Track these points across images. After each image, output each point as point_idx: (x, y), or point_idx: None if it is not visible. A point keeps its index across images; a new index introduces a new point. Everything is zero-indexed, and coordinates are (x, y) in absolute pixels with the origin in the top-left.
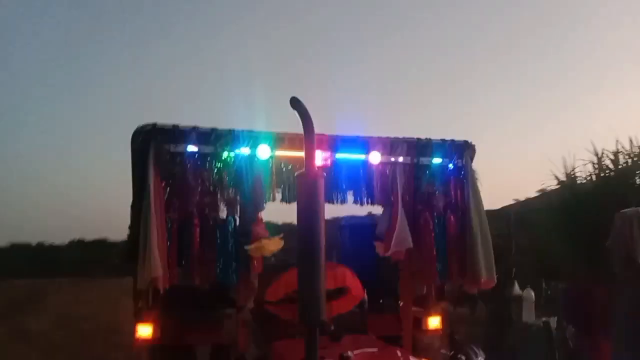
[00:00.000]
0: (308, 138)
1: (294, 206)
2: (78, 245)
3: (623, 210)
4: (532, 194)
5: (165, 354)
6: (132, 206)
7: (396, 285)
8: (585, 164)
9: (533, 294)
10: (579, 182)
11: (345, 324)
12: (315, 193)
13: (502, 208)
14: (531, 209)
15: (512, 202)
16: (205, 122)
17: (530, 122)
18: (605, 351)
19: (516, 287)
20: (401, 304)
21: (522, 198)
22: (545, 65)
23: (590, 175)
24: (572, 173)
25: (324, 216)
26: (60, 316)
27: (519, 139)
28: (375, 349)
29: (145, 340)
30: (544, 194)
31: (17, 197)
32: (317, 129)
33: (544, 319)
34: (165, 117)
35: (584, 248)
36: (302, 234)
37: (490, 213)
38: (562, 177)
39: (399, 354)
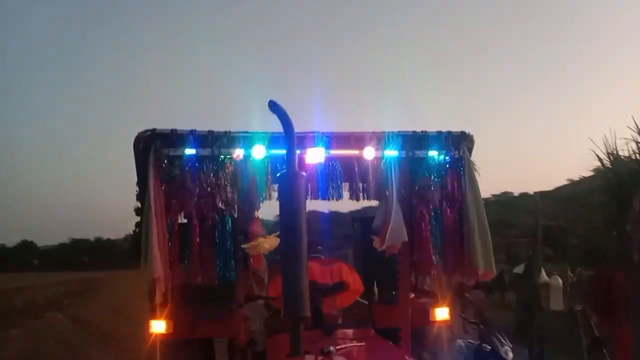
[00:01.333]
0: (288, 139)
1: None
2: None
3: None
4: (586, 173)
5: (177, 348)
6: (137, 209)
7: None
8: (628, 142)
9: (560, 281)
10: (621, 160)
11: (353, 317)
12: (296, 193)
13: (555, 189)
14: (577, 190)
15: (565, 182)
16: (202, 125)
17: (575, 101)
18: (627, 340)
19: (543, 274)
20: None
21: (576, 177)
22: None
23: (634, 153)
24: (613, 152)
25: (305, 215)
26: (114, 307)
27: (569, 118)
28: (363, 343)
29: (159, 336)
30: (596, 174)
31: (74, 197)
32: (312, 127)
33: (571, 306)
34: (166, 121)
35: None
36: (284, 233)
37: (542, 194)
38: (604, 157)
39: (390, 348)
